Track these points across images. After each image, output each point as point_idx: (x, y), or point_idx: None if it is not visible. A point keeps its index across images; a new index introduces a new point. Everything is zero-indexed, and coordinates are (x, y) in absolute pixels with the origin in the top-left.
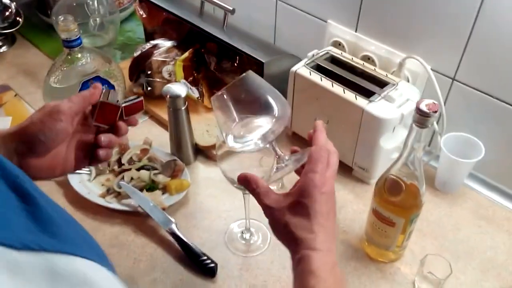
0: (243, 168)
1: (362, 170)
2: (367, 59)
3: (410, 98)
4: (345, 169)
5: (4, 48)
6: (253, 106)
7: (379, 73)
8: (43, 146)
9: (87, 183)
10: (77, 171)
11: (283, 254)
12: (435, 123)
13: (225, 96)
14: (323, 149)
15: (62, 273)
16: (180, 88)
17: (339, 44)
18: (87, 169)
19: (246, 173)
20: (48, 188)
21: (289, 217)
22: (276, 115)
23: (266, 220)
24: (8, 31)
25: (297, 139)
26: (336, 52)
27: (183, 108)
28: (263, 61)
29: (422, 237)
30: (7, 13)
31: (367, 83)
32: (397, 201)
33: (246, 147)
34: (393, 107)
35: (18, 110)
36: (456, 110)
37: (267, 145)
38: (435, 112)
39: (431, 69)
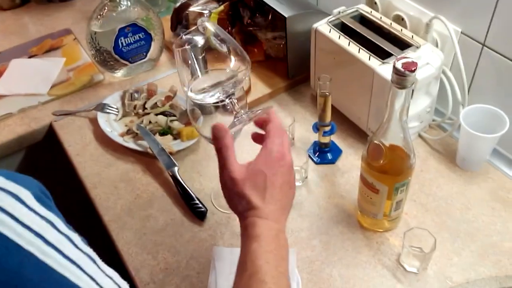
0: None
1: None
2: (401, 19)
3: (430, 63)
4: (360, 134)
5: None
6: (215, 60)
7: (405, 34)
8: None
9: (112, 122)
10: (106, 110)
11: None
12: (458, 91)
13: (188, 50)
14: (281, 126)
15: None
16: (198, 38)
17: (375, 3)
18: (116, 110)
19: (223, 125)
20: (80, 123)
21: (247, 187)
22: (235, 68)
23: None
24: None
25: None
26: (365, 10)
27: (200, 57)
28: (286, 15)
29: (423, 212)
30: None
31: (388, 44)
32: (378, 167)
33: (206, 99)
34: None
35: (73, 53)
36: (486, 80)
37: (227, 99)
38: (412, 71)
39: (462, 32)
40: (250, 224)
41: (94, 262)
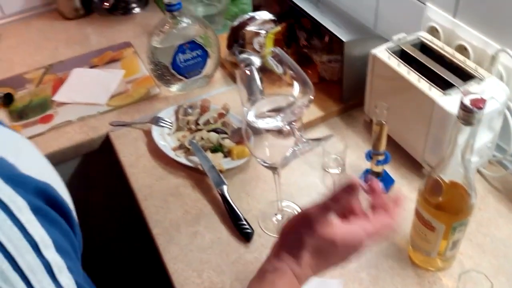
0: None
1: None
2: (464, 49)
3: (495, 97)
4: (414, 165)
5: (137, 10)
6: (278, 84)
7: (468, 65)
8: None
9: (166, 135)
10: (161, 124)
11: None
12: None
13: (250, 72)
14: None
15: None
16: (255, 59)
17: (436, 30)
18: (170, 124)
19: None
20: (135, 135)
21: (311, 242)
22: (298, 96)
23: (302, 201)
24: None
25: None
26: (426, 38)
27: (257, 78)
28: (344, 40)
29: (480, 253)
30: None
31: (451, 75)
32: (436, 204)
33: (266, 124)
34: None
35: (132, 66)
36: None
37: (287, 126)
38: (480, 108)
39: None
40: (282, 270)
41: None
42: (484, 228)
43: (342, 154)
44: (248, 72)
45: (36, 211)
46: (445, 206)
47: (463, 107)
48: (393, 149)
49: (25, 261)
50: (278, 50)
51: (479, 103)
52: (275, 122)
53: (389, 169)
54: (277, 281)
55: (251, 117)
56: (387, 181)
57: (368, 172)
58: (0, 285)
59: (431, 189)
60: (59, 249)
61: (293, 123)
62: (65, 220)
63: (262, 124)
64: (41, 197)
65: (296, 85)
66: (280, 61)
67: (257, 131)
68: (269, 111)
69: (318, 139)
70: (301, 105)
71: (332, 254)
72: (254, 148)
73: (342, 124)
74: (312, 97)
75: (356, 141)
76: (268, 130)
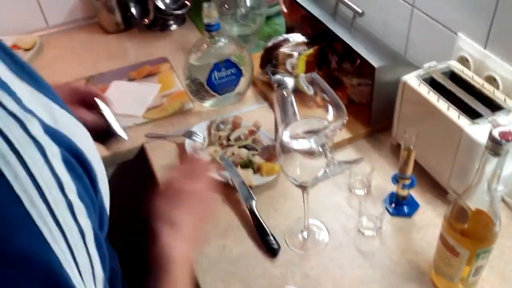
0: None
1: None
2: (493, 80)
3: None
4: (439, 190)
5: (174, 27)
6: (308, 105)
7: (497, 96)
8: None
9: (199, 151)
10: (193, 138)
11: (343, 256)
12: None
13: (287, 94)
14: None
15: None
16: (288, 80)
17: (467, 60)
18: (202, 138)
19: None
20: (169, 148)
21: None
22: (332, 120)
23: (327, 221)
24: (177, 12)
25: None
26: (457, 67)
27: (290, 99)
28: (375, 65)
29: (501, 280)
30: None
31: (479, 105)
32: (461, 230)
33: (300, 145)
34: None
35: (168, 81)
36: None
37: (319, 148)
38: (508, 141)
39: None
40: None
41: (83, 236)
42: (506, 256)
43: (368, 176)
44: (285, 94)
45: (65, 162)
46: (470, 233)
47: (492, 138)
48: (419, 174)
49: (52, 195)
50: (314, 75)
51: (507, 136)
52: (308, 143)
53: (414, 193)
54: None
55: (285, 137)
56: (412, 206)
57: (393, 195)
58: (29, 211)
59: (456, 215)
60: (80, 198)
61: (325, 145)
62: (91, 184)
63: (296, 145)
64: (72, 154)
65: (330, 108)
66: (312, 83)
67: (289, 150)
68: (303, 132)
69: (349, 162)
70: (334, 128)
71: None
72: (285, 167)
73: (369, 147)
74: (345, 121)
75: (382, 164)
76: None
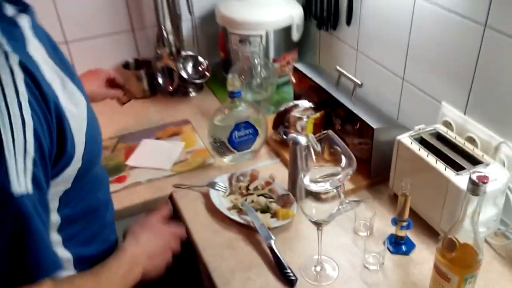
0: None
1: None
2: (472, 140)
3: (497, 179)
4: (431, 232)
5: (193, 93)
6: (317, 159)
7: (476, 153)
8: None
9: (221, 197)
10: (216, 188)
11: (351, 287)
12: None
13: (301, 149)
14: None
15: None
16: (301, 138)
17: (450, 124)
18: (224, 188)
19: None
20: (195, 196)
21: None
22: (344, 168)
23: (337, 257)
24: (198, 81)
25: (396, 199)
26: (442, 130)
27: (299, 157)
28: (374, 127)
29: None
30: (199, 68)
31: (462, 160)
32: (451, 258)
33: (318, 188)
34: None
35: (190, 139)
36: None
37: (334, 189)
38: (484, 183)
39: None
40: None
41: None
42: (490, 286)
43: (371, 220)
44: (299, 149)
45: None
46: (458, 261)
47: (471, 181)
48: (414, 218)
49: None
50: (330, 132)
51: (483, 179)
52: (325, 186)
53: (410, 235)
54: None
55: (306, 181)
56: (409, 245)
57: (393, 236)
58: None
59: (447, 246)
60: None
61: (339, 187)
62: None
63: (315, 187)
64: (54, 109)
65: (342, 158)
66: (327, 138)
67: (308, 194)
68: (320, 177)
69: (357, 201)
70: (346, 174)
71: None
72: (304, 208)
73: (370, 196)
74: (355, 168)
75: (382, 211)
76: (308, 195)
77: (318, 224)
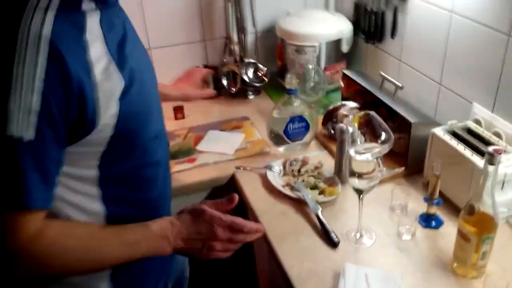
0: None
1: None
2: (498, 135)
3: None
4: (459, 212)
5: (252, 96)
6: (371, 133)
7: (501, 144)
8: None
9: (276, 177)
10: (272, 170)
11: (386, 251)
12: None
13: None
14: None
15: None
16: (348, 127)
17: (479, 121)
18: (279, 170)
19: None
20: (253, 176)
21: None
22: (383, 141)
23: (375, 228)
24: (257, 85)
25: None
26: (472, 125)
27: (346, 141)
28: (412, 121)
29: (504, 271)
30: (259, 73)
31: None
32: (472, 221)
33: (362, 157)
34: (500, 167)
35: (250, 131)
36: None
37: (375, 159)
38: (499, 153)
39: None
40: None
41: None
42: (507, 258)
43: (405, 200)
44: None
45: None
46: (477, 224)
47: (488, 153)
48: (444, 200)
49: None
50: (373, 112)
51: (499, 151)
52: (367, 156)
53: (440, 213)
54: (150, 224)
55: (352, 152)
56: (438, 221)
57: (424, 213)
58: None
59: (468, 210)
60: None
61: (378, 158)
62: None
63: (359, 157)
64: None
65: (382, 134)
66: (371, 120)
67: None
68: (364, 149)
69: (392, 170)
70: (384, 147)
71: (199, 223)
72: (347, 177)
73: (406, 183)
74: (392, 142)
75: (416, 195)
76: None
77: (359, 192)
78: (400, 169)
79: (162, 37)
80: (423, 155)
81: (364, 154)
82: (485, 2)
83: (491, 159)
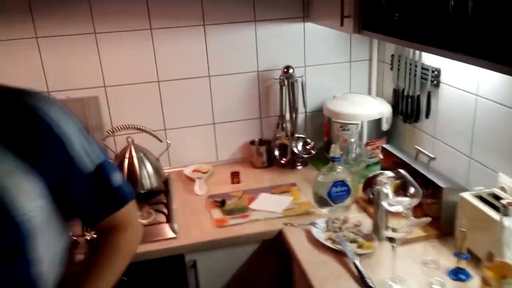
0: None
1: None
2: None
3: None
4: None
5: (300, 167)
6: (403, 189)
7: None
8: None
9: (320, 233)
10: (317, 226)
11: None
12: None
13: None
14: None
15: None
16: (385, 190)
17: (505, 189)
18: (322, 227)
19: None
20: (299, 232)
21: None
22: (412, 194)
23: (409, 279)
24: (305, 156)
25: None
26: (497, 191)
27: (382, 203)
28: (443, 186)
29: None
30: (307, 147)
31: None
32: (492, 268)
33: (394, 209)
34: None
35: (296, 195)
36: None
37: (405, 211)
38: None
39: None
40: None
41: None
42: None
43: (437, 256)
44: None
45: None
46: (497, 270)
47: (502, 206)
48: (472, 257)
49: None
50: (402, 171)
51: (510, 203)
52: (398, 208)
53: (468, 268)
54: None
55: (385, 204)
56: (467, 275)
57: (454, 269)
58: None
59: (488, 258)
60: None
61: (409, 209)
62: None
63: (392, 208)
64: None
65: (411, 189)
66: (400, 177)
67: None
68: (395, 202)
69: (421, 220)
70: (414, 201)
71: None
72: (383, 229)
73: (439, 244)
74: (421, 196)
75: (447, 253)
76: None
77: (392, 240)
78: (428, 219)
79: (225, 114)
80: (455, 219)
81: (395, 206)
82: (504, 86)
83: (505, 210)
